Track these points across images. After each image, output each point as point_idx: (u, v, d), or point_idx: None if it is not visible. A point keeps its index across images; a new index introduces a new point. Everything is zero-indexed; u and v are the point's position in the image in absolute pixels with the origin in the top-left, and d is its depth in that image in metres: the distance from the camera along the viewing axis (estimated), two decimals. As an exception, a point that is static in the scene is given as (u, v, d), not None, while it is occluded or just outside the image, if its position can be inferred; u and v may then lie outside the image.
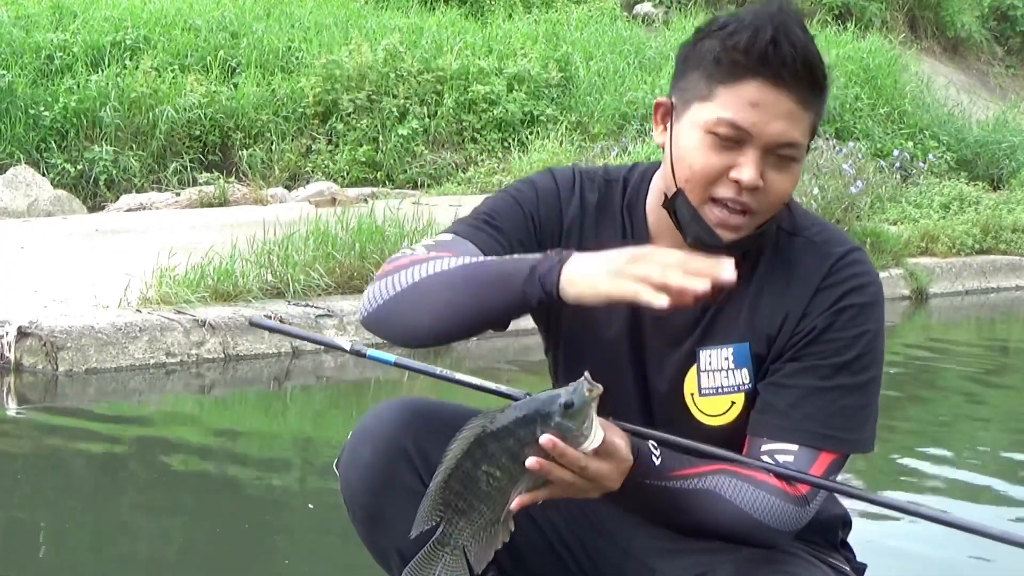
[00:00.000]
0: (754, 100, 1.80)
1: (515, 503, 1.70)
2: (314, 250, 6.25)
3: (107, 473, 4.22)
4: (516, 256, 1.85)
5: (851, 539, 2.16)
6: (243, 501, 3.90)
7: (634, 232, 1.99)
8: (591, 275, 1.72)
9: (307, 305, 5.94)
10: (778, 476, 1.86)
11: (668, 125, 1.92)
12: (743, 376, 1.94)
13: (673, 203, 1.89)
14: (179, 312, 5.61)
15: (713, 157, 1.83)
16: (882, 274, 8.53)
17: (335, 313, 5.92)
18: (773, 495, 1.84)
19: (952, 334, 8.32)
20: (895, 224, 9.79)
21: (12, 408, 4.96)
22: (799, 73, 1.80)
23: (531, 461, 1.66)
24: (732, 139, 1.82)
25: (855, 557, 2.14)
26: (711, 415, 1.96)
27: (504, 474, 1.70)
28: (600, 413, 1.71)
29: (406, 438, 1.95)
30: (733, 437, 1.93)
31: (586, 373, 1.69)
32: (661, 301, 1.64)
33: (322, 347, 5.79)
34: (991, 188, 11.81)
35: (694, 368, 1.96)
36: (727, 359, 1.94)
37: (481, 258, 1.88)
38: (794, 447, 1.87)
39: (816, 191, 9.32)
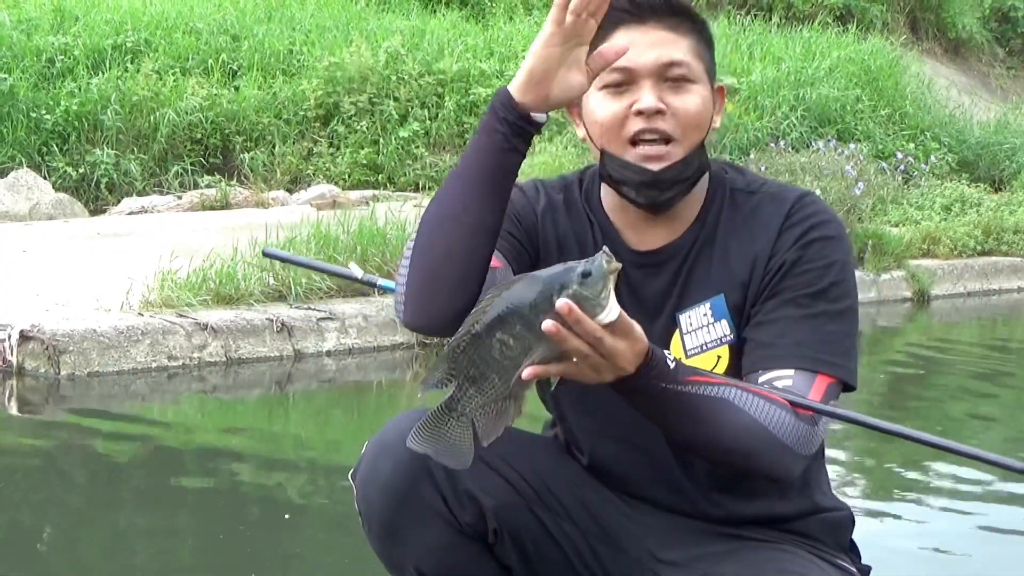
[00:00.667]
0: (625, 42, 1.90)
1: (527, 372, 1.65)
2: (315, 253, 6.25)
3: (109, 476, 4.22)
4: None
5: (856, 540, 2.16)
6: (245, 503, 3.90)
7: (597, 219, 2.07)
8: (525, 62, 1.80)
9: (309, 308, 5.95)
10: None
11: (580, 116, 2.04)
12: (724, 328, 1.99)
13: (604, 167, 1.99)
14: (181, 315, 5.61)
15: (614, 104, 1.96)
16: (883, 276, 8.58)
17: (337, 316, 5.93)
18: (784, 410, 1.86)
19: (954, 336, 8.31)
20: (897, 226, 9.78)
21: (14, 411, 4.97)
22: (656, 6, 1.95)
23: (547, 324, 1.63)
24: (622, 82, 1.95)
25: (860, 559, 2.14)
26: None
27: (517, 343, 1.66)
28: None
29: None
30: None
31: (604, 247, 1.67)
32: None
33: (324, 350, 5.84)
34: (992, 190, 11.81)
35: (677, 333, 2.01)
36: (706, 315, 2.00)
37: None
38: (790, 371, 1.91)
39: (818, 192, 9.31)
